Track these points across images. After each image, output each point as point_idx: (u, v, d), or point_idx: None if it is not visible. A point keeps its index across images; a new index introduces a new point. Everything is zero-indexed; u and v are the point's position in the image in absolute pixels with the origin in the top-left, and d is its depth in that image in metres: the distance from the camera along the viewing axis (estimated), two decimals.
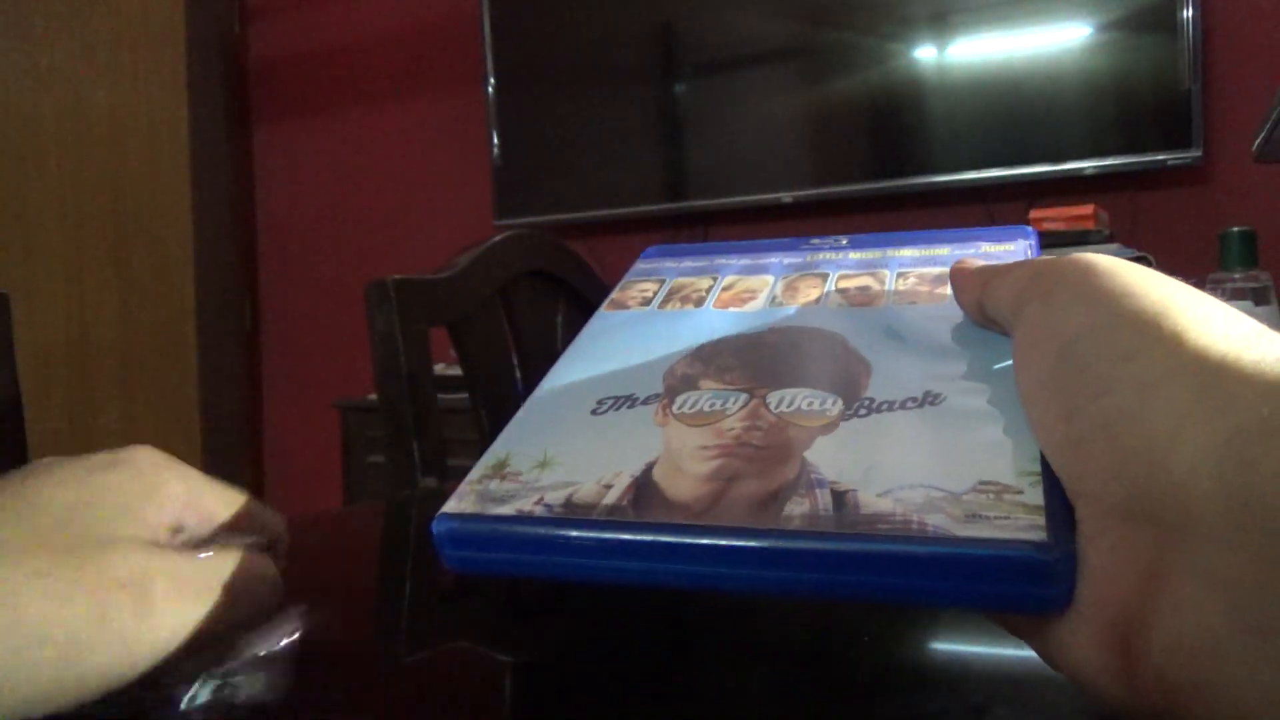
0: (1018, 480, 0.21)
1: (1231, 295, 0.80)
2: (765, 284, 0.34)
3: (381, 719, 0.29)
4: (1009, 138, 1.69)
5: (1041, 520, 0.19)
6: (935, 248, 0.34)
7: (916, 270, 0.33)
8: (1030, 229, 0.35)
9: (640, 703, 0.29)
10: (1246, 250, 0.81)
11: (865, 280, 0.33)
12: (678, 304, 0.34)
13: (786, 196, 1.87)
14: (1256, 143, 1.03)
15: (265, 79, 2.58)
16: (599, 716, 0.29)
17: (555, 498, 0.23)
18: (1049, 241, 1.45)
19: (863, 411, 0.25)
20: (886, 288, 0.32)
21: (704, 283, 0.35)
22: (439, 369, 1.29)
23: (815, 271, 0.34)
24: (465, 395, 0.83)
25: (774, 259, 0.36)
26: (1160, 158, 1.59)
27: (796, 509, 0.21)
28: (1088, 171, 1.64)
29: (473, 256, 0.83)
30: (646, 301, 0.35)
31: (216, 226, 2.45)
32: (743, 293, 0.34)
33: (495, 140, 2.14)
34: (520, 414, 0.28)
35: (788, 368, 0.27)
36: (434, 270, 0.81)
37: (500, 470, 0.24)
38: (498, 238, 0.88)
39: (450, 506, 0.23)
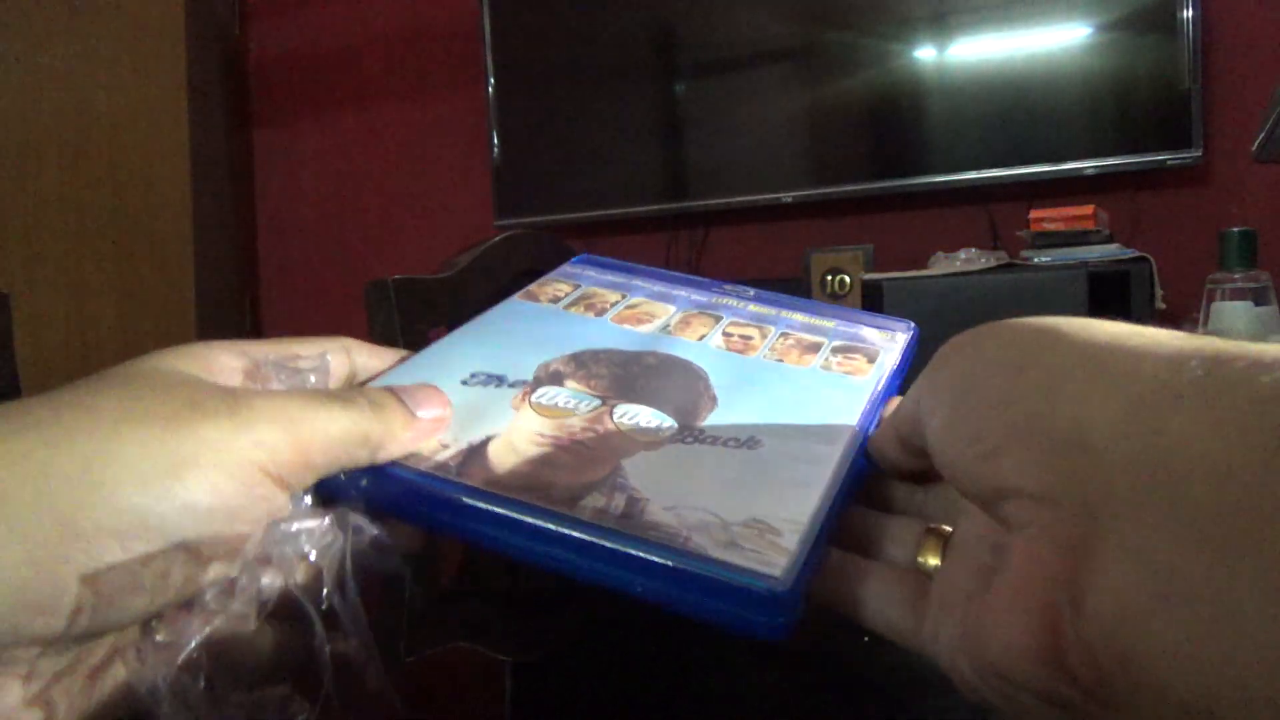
0: (782, 525, 0.23)
1: (1231, 295, 0.80)
2: (665, 311, 0.37)
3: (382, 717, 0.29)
4: (1009, 138, 1.69)
5: (783, 560, 0.22)
6: (823, 320, 0.37)
7: (796, 334, 0.35)
8: (913, 324, 0.38)
9: (640, 702, 0.29)
10: (1246, 250, 0.81)
11: (750, 331, 0.36)
12: (582, 309, 0.36)
13: (786, 196, 1.87)
14: (1256, 143, 1.04)
15: (265, 79, 2.58)
16: (599, 716, 0.29)
17: None
18: (1049, 241, 1.45)
19: (689, 439, 0.27)
20: (765, 342, 0.35)
21: (613, 296, 0.38)
22: None
23: (711, 312, 0.37)
24: None
25: (683, 293, 0.39)
26: (1160, 158, 1.59)
27: (592, 503, 0.24)
28: (1088, 171, 1.63)
29: (472, 256, 0.83)
30: (556, 300, 0.37)
31: (216, 226, 2.45)
32: (642, 314, 0.36)
33: (495, 140, 2.14)
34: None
35: (645, 387, 0.30)
36: (434, 270, 0.81)
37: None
38: (498, 238, 0.88)
39: None
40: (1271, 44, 1.60)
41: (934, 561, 0.25)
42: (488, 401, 0.28)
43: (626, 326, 0.35)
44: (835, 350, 0.34)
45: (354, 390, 0.26)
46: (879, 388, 0.31)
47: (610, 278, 0.40)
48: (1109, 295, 1.33)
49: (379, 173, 2.43)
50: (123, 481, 0.20)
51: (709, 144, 1.96)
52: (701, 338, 0.34)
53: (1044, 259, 1.40)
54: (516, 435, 0.27)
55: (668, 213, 2.01)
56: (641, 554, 0.22)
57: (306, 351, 0.28)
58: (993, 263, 1.42)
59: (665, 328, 0.35)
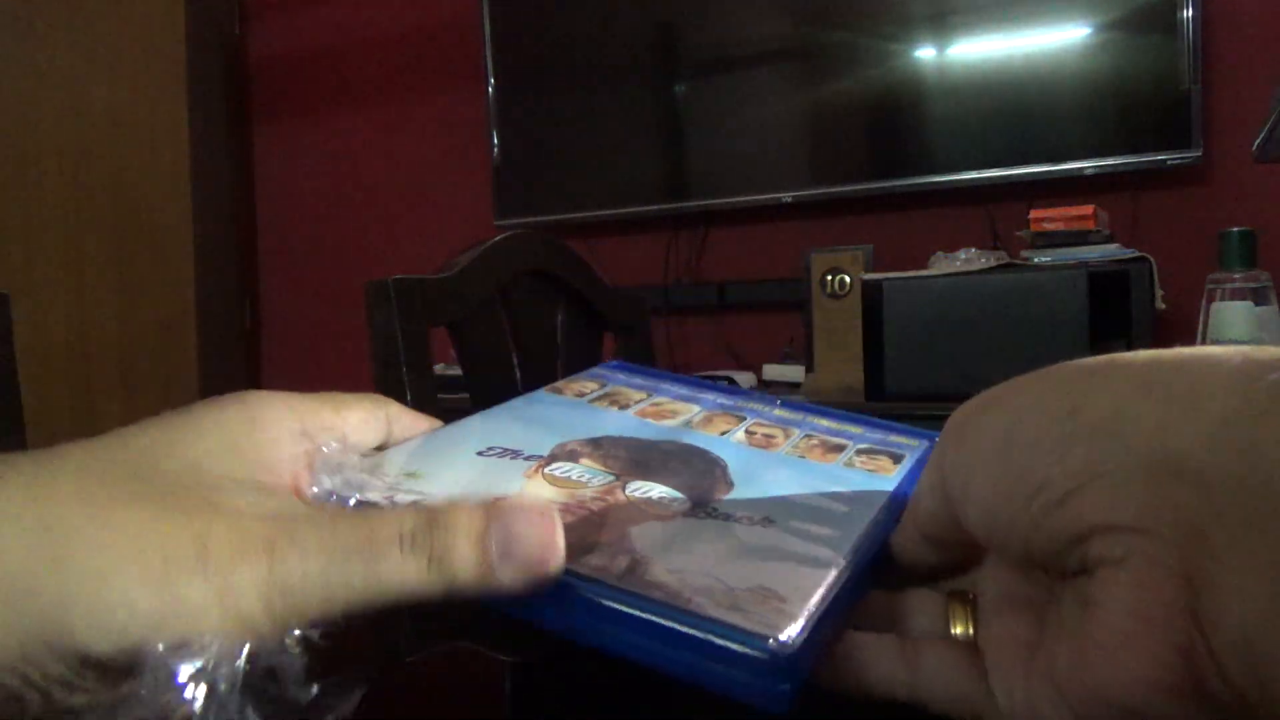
0: (791, 593, 0.22)
1: (1231, 295, 0.80)
2: (689, 410, 0.37)
3: (381, 717, 0.29)
4: (1009, 138, 1.69)
5: (788, 625, 0.21)
6: (849, 425, 0.37)
7: (821, 436, 0.35)
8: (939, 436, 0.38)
9: (641, 702, 0.29)
10: (1246, 250, 0.81)
11: (774, 431, 0.36)
12: (606, 404, 0.37)
13: (786, 196, 1.87)
14: (1256, 143, 1.04)
15: (265, 79, 2.58)
16: (599, 717, 0.29)
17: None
18: (1049, 241, 1.45)
19: (702, 515, 0.27)
20: (788, 441, 0.35)
21: (638, 395, 0.38)
22: (439, 369, 1.28)
23: (735, 413, 0.37)
24: (465, 395, 0.83)
25: (709, 396, 0.39)
26: (1160, 158, 1.59)
27: (594, 560, 0.23)
28: (1088, 171, 1.64)
29: (473, 256, 0.83)
30: (582, 395, 0.38)
31: (216, 226, 2.45)
32: (666, 411, 0.37)
33: (495, 140, 2.14)
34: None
35: (661, 468, 0.30)
36: (434, 270, 0.81)
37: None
38: (498, 238, 0.88)
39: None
40: (1271, 44, 1.60)
41: (961, 629, 0.25)
42: (500, 471, 0.28)
43: (648, 420, 0.35)
44: (859, 451, 0.34)
45: (422, 530, 0.21)
46: (903, 483, 0.31)
47: (638, 380, 0.41)
48: (1109, 295, 1.33)
49: (379, 172, 2.43)
50: (87, 637, 0.19)
51: (709, 144, 1.96)
52: (723, 433, 0.34)
53: (1044, 259, 1.40)
54: (525, 500, 0.26)
55: (668, 213, 2.01)
56: (638, 612, 0.22)
57: (355, 415, 0.27)
58: (993, 263, 1.42)
59: (687, 423, 0.35)
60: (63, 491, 0.20)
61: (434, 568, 0.21)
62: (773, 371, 1.85)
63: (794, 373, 1.79)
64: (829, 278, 1.73)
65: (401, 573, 0.20)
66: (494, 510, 0.21)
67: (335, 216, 2.50)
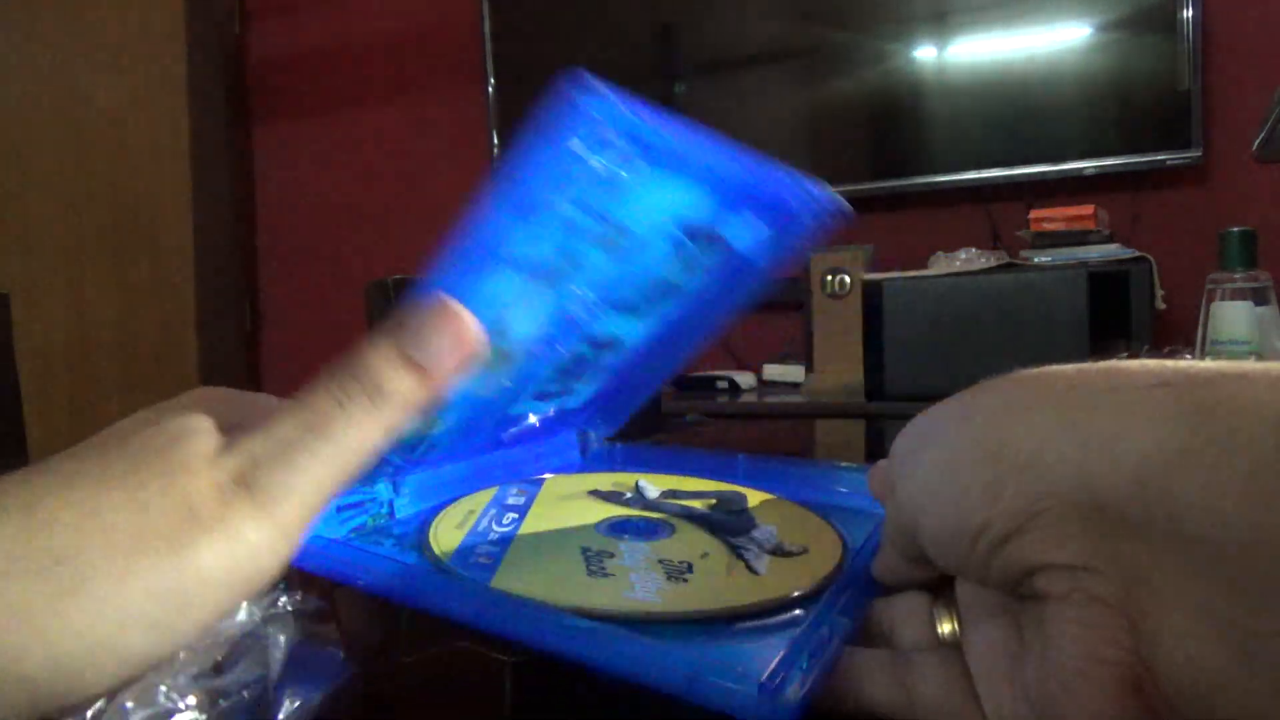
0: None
1: (1231, 295, 0.80)
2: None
3: (382, 717, 0.29)
4: (1009, 138, 1.69)
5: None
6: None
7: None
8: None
9: (642, 703, 0.29)
10: (1246, 250, 0.81)
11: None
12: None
13: None
14: (1256, 143, 1.03)
15: (265, 79, 2.58)
16: (599, 716, 0.29)
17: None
18: (1049, 241, 1.45)
19: None
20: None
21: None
22: None
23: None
24: None
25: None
26: (1160, 158, 1.59)
27: None
28: (1088, 171, 1.64)
29: None
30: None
31: (216, 226, 2.45)
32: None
33: (495, 140, 2.14)
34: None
35: None
36: None
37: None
38: None
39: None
40: (1271, 44, 1.60)
41: (948, 628, 0.25)
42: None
43: None
44: None
45: (349, 382, 0.22)
46: None
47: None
48: (1109, 295, 1.33)
49: (379, 172, 2.43)
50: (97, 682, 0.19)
51: None
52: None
53: (1044, 259, 1.40)
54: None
55: None
56: None
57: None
58: (993, 263, 1.42)
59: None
60: (52, 493, 0.20)
61: (376, 407, 0.21)
62: (773, 371, 1.85)
63: (794, 373, 1.79)
64: (829, 278, 1.73)
65: (352, 428, 0.21)
66: (397, 331, 0.22)
67: (335, 216, 2.50)
